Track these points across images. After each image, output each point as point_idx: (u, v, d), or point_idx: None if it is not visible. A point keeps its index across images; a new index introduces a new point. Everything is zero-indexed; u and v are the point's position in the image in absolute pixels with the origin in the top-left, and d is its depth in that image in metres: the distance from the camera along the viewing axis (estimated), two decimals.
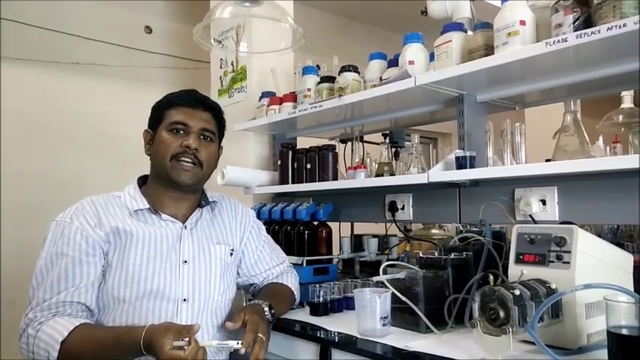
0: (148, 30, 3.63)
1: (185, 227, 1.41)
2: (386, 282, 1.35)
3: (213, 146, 1.45)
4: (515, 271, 1.14)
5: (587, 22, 1.25)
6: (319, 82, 2.09)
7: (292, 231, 2.02)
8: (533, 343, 1.03)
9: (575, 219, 1.27)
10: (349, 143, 2.32)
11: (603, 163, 1.32)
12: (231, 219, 1.55)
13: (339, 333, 1.38)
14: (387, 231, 2.24)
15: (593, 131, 1.69)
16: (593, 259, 1.11)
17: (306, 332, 1.44)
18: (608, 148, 1.78)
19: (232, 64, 2.70)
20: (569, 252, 1.09)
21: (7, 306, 2.81)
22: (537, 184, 1.50)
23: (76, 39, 3.27)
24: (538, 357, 1.06)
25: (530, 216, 1.48)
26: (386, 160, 2.03)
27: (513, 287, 1.02)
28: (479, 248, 1.39)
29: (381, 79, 1.84)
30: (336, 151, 2.13)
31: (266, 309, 1.36)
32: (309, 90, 2.12)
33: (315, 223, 2.04)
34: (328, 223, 2.07)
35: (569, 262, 1.08)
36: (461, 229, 1.55)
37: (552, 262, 1.11)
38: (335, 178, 2.08)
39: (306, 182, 2.13)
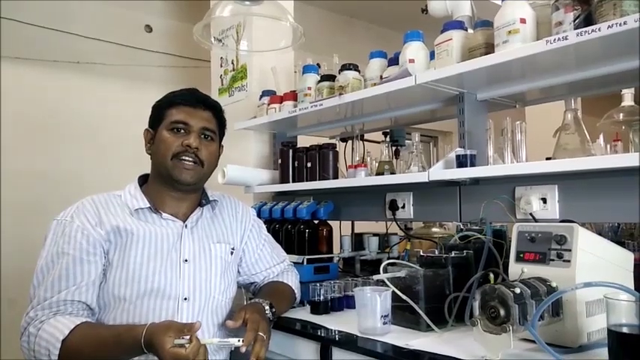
0: (148, 29, 3.63)
1: (186, 226, 1.41)
2: (386, 280, 1.35)
3: (214, 145, 1.45)
4: (516, 270, 1.14)
5: (587, 20, 1.25)
6: (320, 81, 2.09)
7: (293, 230, 2.02)
8: (533, 342, 1.03)
9: (576, 217, 1.27)
10: (350, 142, 2.32)
11: (604, 161, 1.32)
12: (231, 218, 1.55)
13: (339, 331, 1.38)
14: (387, 229, 2.24)
15: (594, 129, 1.69)
16: (593, 258, 1.11)
17: (307, 331, 1.44)
18: (608, 146, 1.78)
19: (233, 63, 2.70)
20: (570, 250, 1.09)
21: (7, 305, 2.81)
22: (538, 182, 1.50)
23: (76, 38, 3.27)
24: (538, 355, 1.06)
25: (531, 214, 1.48)
26: (386, 159, 2.03)
27: (514, 285, 1.02)
28: (479, 247, 1.39)
29: (381, 77, 1.84)
30: (337, 149, 2.13)
31: (267, 307, 1.36)
32: (309, 89, 2.11)
33: (316, 221, 2.04)
34: (329, 221, 2.07)
35: (569, 261, 1.08)
36: (461, 227, 1.55)
37: (553, 260, 1.11)
38: (335, 177, 2.08)
39: (307, 181, 2.14)
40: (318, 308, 1.57)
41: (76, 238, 1.28)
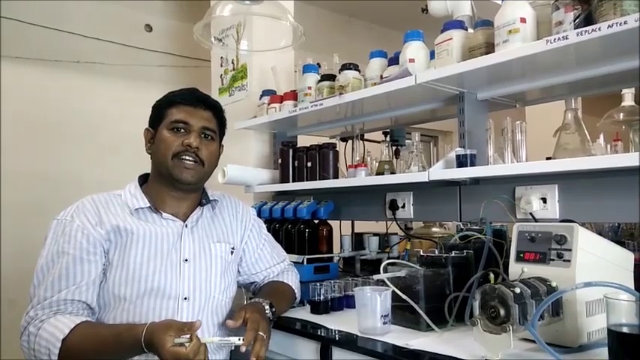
0: (149, 28, 3.63)
1: (186, 226, 1.41)
2: (386, 280, 1.35)
3: (214, 145, 1.45)
4: (516, 269, 1.14)
5: (587, 19, 1.25)
6: (320, 81, 2.09)
7: (293, 229, 2.02)
8: (533, 342, 1.03)
9: (576, 217, 1.27)
10: (350, 141, 2.32)
11: (604, 161, 1.32)
12: (231, 217, 1.55)
13: (339, 331, 1.38)
14: (387, 229, 2.25)
15: (594, 129, 1.69)
16: (593, 257, 1.11)
17: (307, 330, 1.44)
18: (608, 146, 1.78)
19: (233, 63, 2.70)
20: (570, 250, 1.09)
21: (7, 305, 2.81)
22: (538, 182, 1.50)
23: (77, 37, 3.27)
24: (538, 355, 1.06)
25: (531, 214, 1.48)
26: (386, 159, 2.04)
27: (514, 285, 1.02)
28: (479, 246, 1.39)
29: (381, 77, 1.84)
30: (337, 149, 2.13)
31: (267, 307, 1.36)
32: (309, 88, 2.11)
33: (316, 221, 2.04)
34: (329, 221, 2.07)
35: (569, 260, 1.08)
36: (461, 227, 1.55)
37: (553, 260, 1.11)
38: (335, 177, 2.08)
39: (307, 180, 2.14)
40: (318, 308, 1.57)
41: (76, 238, 1.28)
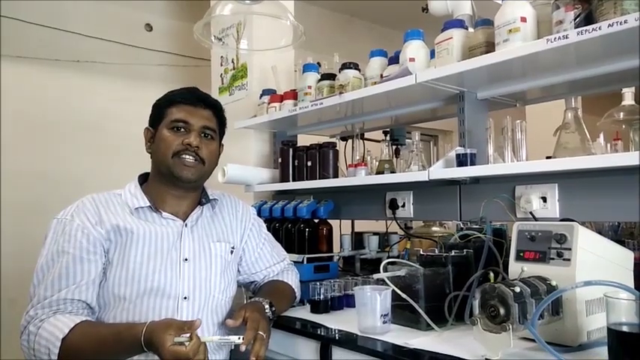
0: (149, 28, 3.63)
1: (186, 225, 1.41)
2: (386, 279, 1.35)
3: (214, 144, 1.45)
4: (516, 269, 1.14)
5: (588, 18, 1.25)
6: (320, 80, 2.09)
7: (293, 229, 2.02)
8: (533, 341, 1.03)
9: (576, 216, 1.27)
10: (350, 141, 2.32)
11: (604, 160, 1.32)
12: (231, 217, 1.55)
13: (339, 330, 1.38)
14: (387, 228, 2.25)
15: (594, 128, 1.69)
16: (593, 257, 1.11)
17: (307, 330, 1.44)
18: (609, 145, 1.78)
19: (233, 62, 2.70)
20: (570, 249, 1.09)
21: (7, 305, 2.81)
22: (538, 181, 1.50)
23: (77, 37, 3.27)
24: (538, 354, 1.06)
25: (531, 213, 1.48)
26: (386, 158, 2.04)
27: (514, 284, 1.02)
28: (479, 246, 1.38)
29: (381, 76, 1.84)
30: (337, 148, 2.13)
31: (266, 306, 1.36)
32: (309, 87, 2.11)
33: (316, 220, 2.04)
34: (329, 220, 2.07)
35: (569, 260, 1.08)
36: (461, 226, 1.55)
37: (553, 259, 1.11)
38: (335, 176, 2.08)
39: (307, 180, 2.14)
40: (318, 307, 1.57)
41: (76, 237, 1.28)
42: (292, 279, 1.64)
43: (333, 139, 2.34)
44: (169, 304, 1.32)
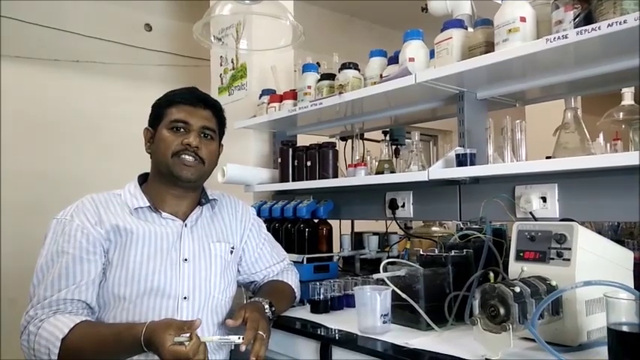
0: (148, 28, 3.63)
1: (185, 225, 1.41)
2: (386, 279, 1.35)
3: (214, 144, 1.45)
4: (516, 269, 1.14)
5: (587, 18, 1.25)
6: (319, 80, 2.09)
7: (293, 229, 2.02)
8: (533, 340, 1.03)
9: (576, 216, 1.27)
10: (349, 141, 2.32)
11: (604, 160, 1.32)
12: (231, 217, 1.55)
13: (339, 330, 1.38)
14: (387, 228, 2.25)
15: (594, 128, 1.69)
16: (593, 256, 1.11)
17: (307, 330, 1.44)
18: (608, 145, 1.78)
19: (232, 62, 2.70)
20: (570, 249, 1.09)
21: (7, 305, 2.81)
22: (538, 181, 1.50)
23: (76, 37, 3.26)
24: (538, 354, 1.06)
25: (531, 213, 1.48)
26: (386, 158, 2.04)
27: (514, 284, 1.02)
28: (479, 246, 1.38)
29: (381, 76, 1.84)
30: (337, 148, 2.13)
31: (266, 306, 1.36)
32: (309, 87, 2.11)
33: (316, 220, 2.04)
34: (328, 220, 2.07)
35: (569, 259, 1.08)
36: (461, 226, 1.55)
37: (552, 259, 1.11)
38: (335, 176, 2.08)
39: (307, 180, 2.14)
40: (318, 307, 1.57)
41: (76, 237, 1.28)
42: (292, 279, 1.64)
43: (333, 139, 2.34)
44: (169, 304, 1.32)
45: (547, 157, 1.53)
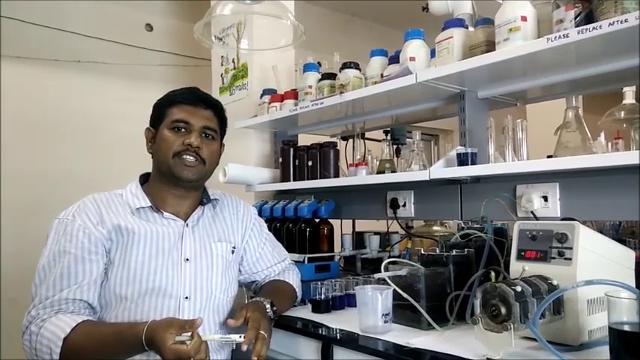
0: (149, 28, 3.63)
1: (187, 225, 1.41)
2: (387, 279, 1.35)
3: (215, 144, 1.45)
4: (517, 268, 1.14)
5: (588, 17, 1.25)
6: (320, 79, 2.09)
7: (294, 228, 2.02)
8: (534, 340, 1.03)
9: (577, 215, 1.27)
10: (350, 140, 2.32)
11: (605, 159, 1.32)
12: (232, 217, 1.55)
13: (340, 330, 1.38)
14: (388, 228, 2.25)
15: (595, 127, 1.68)
16: (594, 256, 1.11)
17: (308, 329, 1.44)
18: (609, 144, 1.78)
19: (233, 62, 2.70)
20: (571, 248, 1.09)
21: (7, 305, 2.81)
22: (539, 180, 1.50)
23: (77, 37, 3.26)
24: (539, 353, 1.06)
25: (532, 212, 1.48)
26: (387, 157, 2.03)
27: (515, 284, 1.02)
28: (480, 245, 1.38)
29: (382, 75, 1.84)
30: (338, 148, 2.13)
31: (268, 306, 1.36)
32: (310, 87, 2.11)
33: (317, 220, 2.04)
34: (330, 220, 2.07)
35: (570, 259, 1.08)
36: (462, 225, 1.55)
37: (554, 258, 1.11)
38: (336, 176, 2.08)
39: (308, 179, 2.14)
40: (319, 307, 1.57)
41: (78, 237, 1.28)
42: (293, 279, 1.64)
43: (334, 139, 2.34)
44: (171, 304, 1.32)
45: (548, 157, 1.53)
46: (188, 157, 1.37)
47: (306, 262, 1.87)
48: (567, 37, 1.22)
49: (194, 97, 1.42)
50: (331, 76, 2.05)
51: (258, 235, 1.61)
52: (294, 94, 2.20)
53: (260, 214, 2.01)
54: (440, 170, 1.59)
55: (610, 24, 1.14)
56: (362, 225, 2.38)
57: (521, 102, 1.82)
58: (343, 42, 3.63)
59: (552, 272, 1.08)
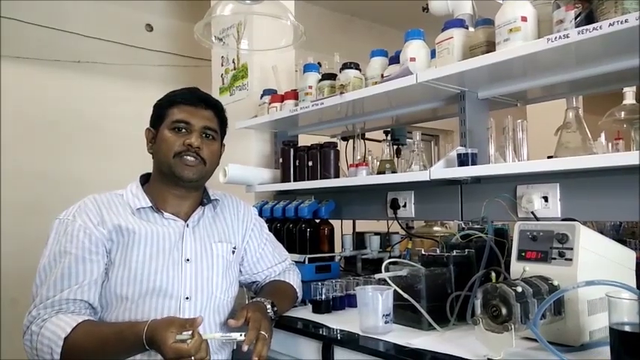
0: (149, 28, 3.63)
1: (187, 225, 1.41)
2: (388, 279, 1.35)
3: (216, 144, 1.45)
4: (518, 268, 1.14)
5: (588, 18, 1.25)
6: (320, 80, 2.09)
7: (294, 229, 2.02)
8: (535, 340, 1.03)
9: (578, 215, 1.27)
10: (351, 141, 2.32)
11: (605, 159, 1.32)
12: (233, 217, 1.55)
13: (341, 330, 1.38)
14: (388, 228, 2.25)
15: (595, 128, 1.69)
16: (595, 256, 1.11)
17: (309, 330, 1.44)
18: (610, 144, 1.78)
19: (233, 62, 2.70)
20: (572, 249, 1.09)
21: (8, 305, 2.81)
22: (539, 180, 1.50)
23: (77, 37, 3.26)
24: (540, 354, 1.06)
25: (533, 213, 1.48)
26: (387, 158, 2.03)
27: (515, 284, 1.02)
28: (481, 245, 1.38)
29: (382, 76, 1.84)
30: (338, 148, 2.13)
31: (268, 306, 1.36)
32: (310, 87, 2.11)
33: (317, 220, 2.04)
34: (330, 220, 2.07)
35: (571, 259, 1.08)
36: (463, 226, 1.54)
37: (554, 258, 1.11)
38: (337, 176, 2.08)
39: (308, 180, 2.13)
40: (320, 307, 1.57)
41: (79, 237, 1.28)
42: (294, 279, 1.64)
43: (334, 139, 2.34)
44: (171, 304, 1.32)
45: (549, 157, 1.53)
46: (188, 157, 1.37)
47: (306, 262, 1.87)
48: (567, 37, 1.22)
49: (194, 98, 1.42)
50: (331, 76, 2.05)
51: (258, 235, 1.61)
52: (294, 95, 2.20)
53: (260, 214, 2.01)
54: (440, 170, 1.59)
55: (610, 24, 1.14)
56: (362, 225, 2.38)
57: (521, 102, 1.82)
58: (343, 42, 3.63)
59: (553, 273, 1.08)
